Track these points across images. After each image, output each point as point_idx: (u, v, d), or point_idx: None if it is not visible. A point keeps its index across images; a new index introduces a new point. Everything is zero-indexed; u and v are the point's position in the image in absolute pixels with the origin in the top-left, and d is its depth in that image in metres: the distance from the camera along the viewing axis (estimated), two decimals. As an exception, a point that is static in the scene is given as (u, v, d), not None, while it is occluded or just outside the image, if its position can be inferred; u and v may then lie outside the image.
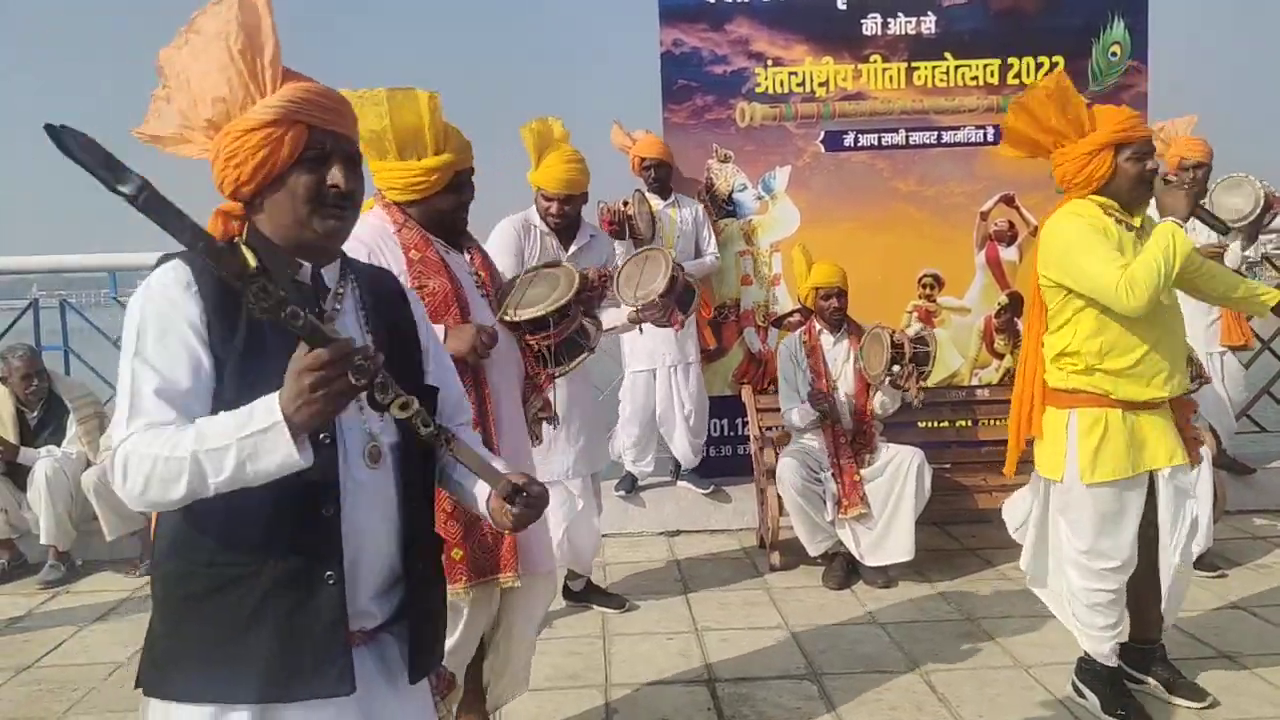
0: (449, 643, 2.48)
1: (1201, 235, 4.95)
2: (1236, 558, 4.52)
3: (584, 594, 4.19)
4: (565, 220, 3.99)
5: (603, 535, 4.56)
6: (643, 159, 5.23)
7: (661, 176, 5.25)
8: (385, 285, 1.72)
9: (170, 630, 1.50)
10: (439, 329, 2.44)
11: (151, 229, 1.26)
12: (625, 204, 4.98)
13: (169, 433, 1.36)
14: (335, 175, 1.53)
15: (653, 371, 5.20)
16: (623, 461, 5.38)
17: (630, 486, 5.41)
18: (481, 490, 1.63)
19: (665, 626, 3.98)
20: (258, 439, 1.32)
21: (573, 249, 4.05)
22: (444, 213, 2.59)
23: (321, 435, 1.45)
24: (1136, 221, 2.96)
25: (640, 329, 3.85)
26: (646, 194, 5.15)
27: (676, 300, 4.13)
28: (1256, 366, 5.64)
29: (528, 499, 1.52)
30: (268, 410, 1.32)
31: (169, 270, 1.47)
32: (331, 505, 1.48)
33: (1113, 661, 3.13)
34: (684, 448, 5.31)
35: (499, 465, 1.57)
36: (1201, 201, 4.90)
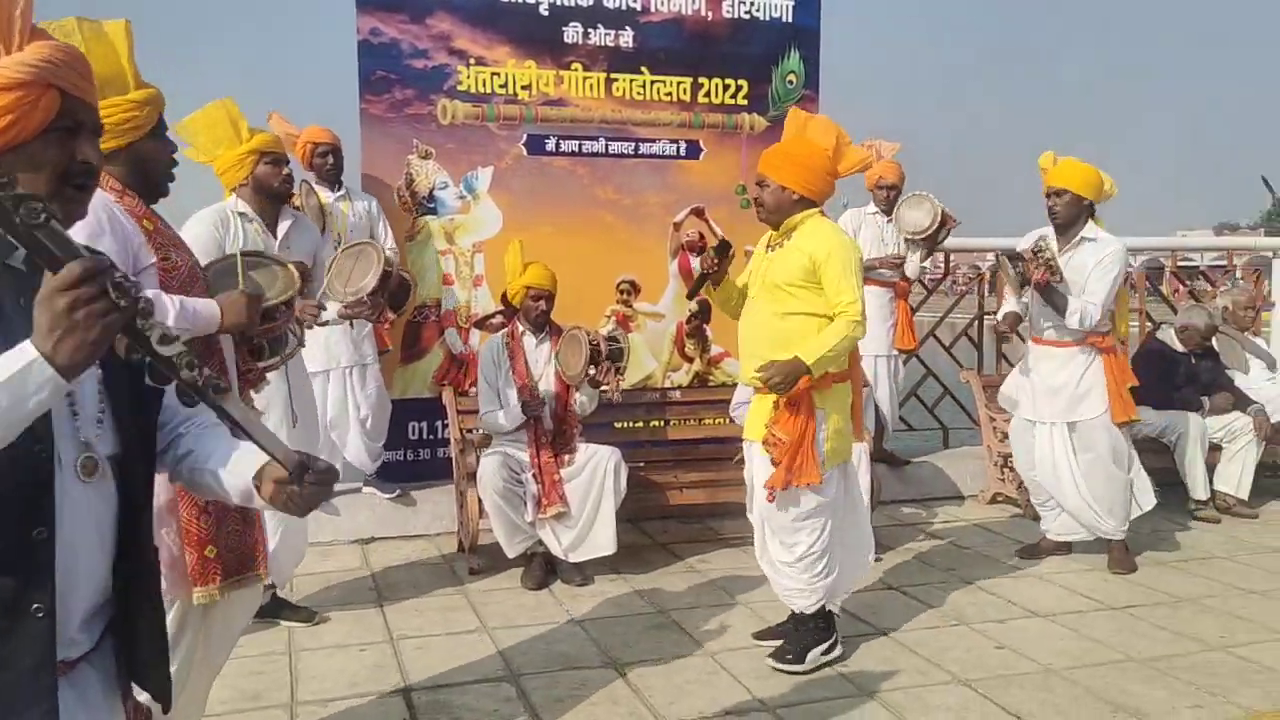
0: (174, 666, 2.24)
1: (891, 246, 5.52)
2: (889, 542, 5.04)
3: (269, 608, 3.91)
4: (292, 183, 3.90)
5: (290, 546, 4.31)
6: (315, 144, 4.99)
7: (337, 163, 5.04)
8: None
9: None
10: (207, 303, 2.22)
11: None
12: (292, 195, 4.72)
13: None
14: (86, 150, 1.34)
15: (327, 373, 4.95)
16: None
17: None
18: (242, 473, 1.43)
19: (358, 638, 3.81)
20: (15, 383, 1.11)
21: (281, 231, 3.81)
22: (152, 164, 2.33)
23: (36, 447, 1.24)
24: (772, 239, 3.60)
25: (351, 324, 3.75)
26: (315, 186, 4.92)
27: (389, 297, 4.01)
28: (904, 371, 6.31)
29: (317, 475, 1.35)
30: (19, 351, 1.12)
31: None
32: (44, 526, 1.27)
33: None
34: (359, 453, 5.10)
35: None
36: (889, 217, 5.50)
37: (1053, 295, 4.42)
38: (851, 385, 3.58)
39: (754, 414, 3.61)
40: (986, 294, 6.80)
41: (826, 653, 3.54)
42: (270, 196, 3.77)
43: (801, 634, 3.55)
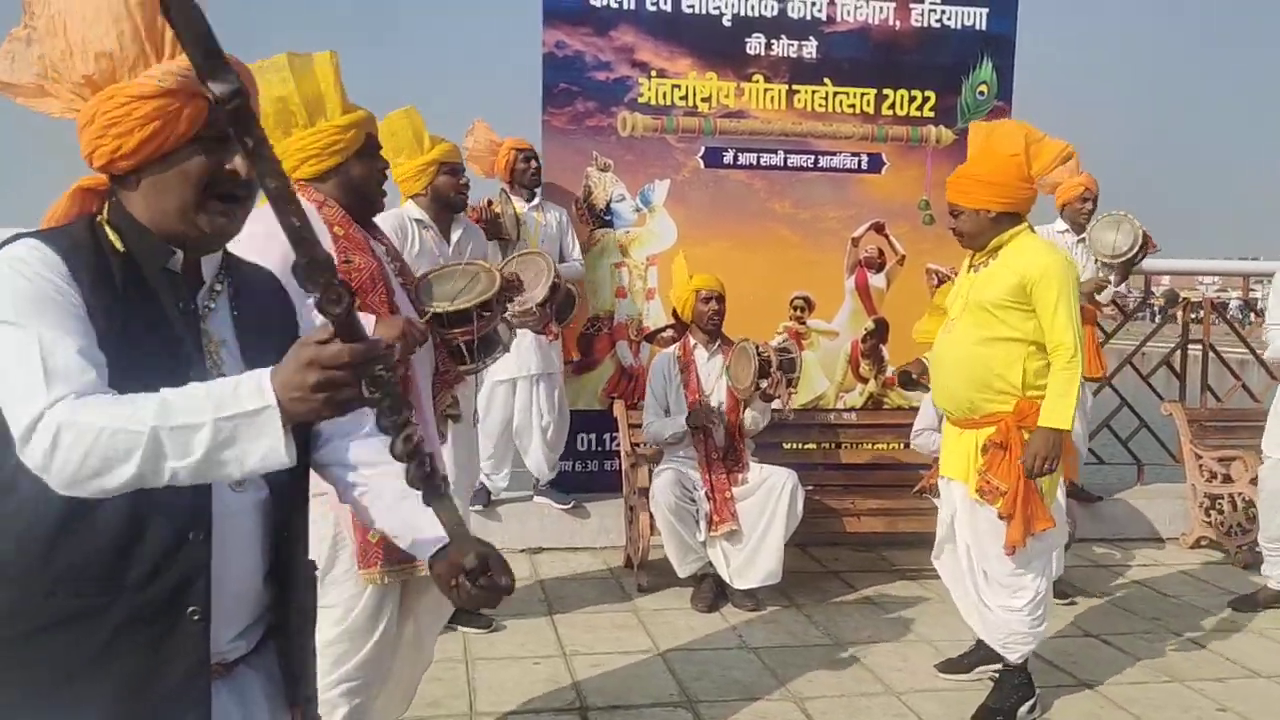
0: (364, 651, 2.29)
1: (1078, 267, 5.13)
2: (1084, 586, 4.69)
3: (446, 614, 3.94)
4: (468, 193, 3.98)
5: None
6: (519, 150, 5.05)
7: (538, 169, 5.08)
8: (267, 286, 1.51)
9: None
10: (369, 318, 2.25)
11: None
12: (490, 203, 4.78)
13: (118, 400, 1.12)
14: (237, 161, 1.31)
15: (513, 382, 4.99)
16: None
17: (485, 501, 5.17)
18: (428, 537, 1.41)
19: (531, 650, 3.79)
20: (241, 422, 1.11)
21: (454, 238, 3.90)
22: (360, 181, 2.38)
23: None
24: (974, 259, 3.36)
25: (514, 333, 3.76)
26: (511, 195, 4.98)
27: (555, 309, 4.02)
28: (1096, 401, 5.91)
29: (489, 583, 1.31)
30: (258, 389, 1.11)
31: (33, 249, 1.22)
32: (202, 530, 1.27)
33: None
34: (539, 461, 5.12)
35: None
36: (1081, 236, 5.11)
37: None
38: None
39: (952, 450, 3.38)
40: (1191, 320, 6.30)
41: (1031, 710, 3.29)
42: (446, 205, 3.86)
43: (1008, 690, 3.29)
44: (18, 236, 1.25)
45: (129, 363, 1.22)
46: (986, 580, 3.30)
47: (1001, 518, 3.15)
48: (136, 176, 1.31)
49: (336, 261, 2.24)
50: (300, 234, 1.08)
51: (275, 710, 1.45)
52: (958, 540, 3.38)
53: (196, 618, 1.28)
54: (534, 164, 5.05)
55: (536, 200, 5.08)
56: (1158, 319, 6.81)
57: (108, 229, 1.30)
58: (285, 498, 1.40)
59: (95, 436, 1.10)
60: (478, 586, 1.31)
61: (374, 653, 2.33)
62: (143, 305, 1.28)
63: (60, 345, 1.15)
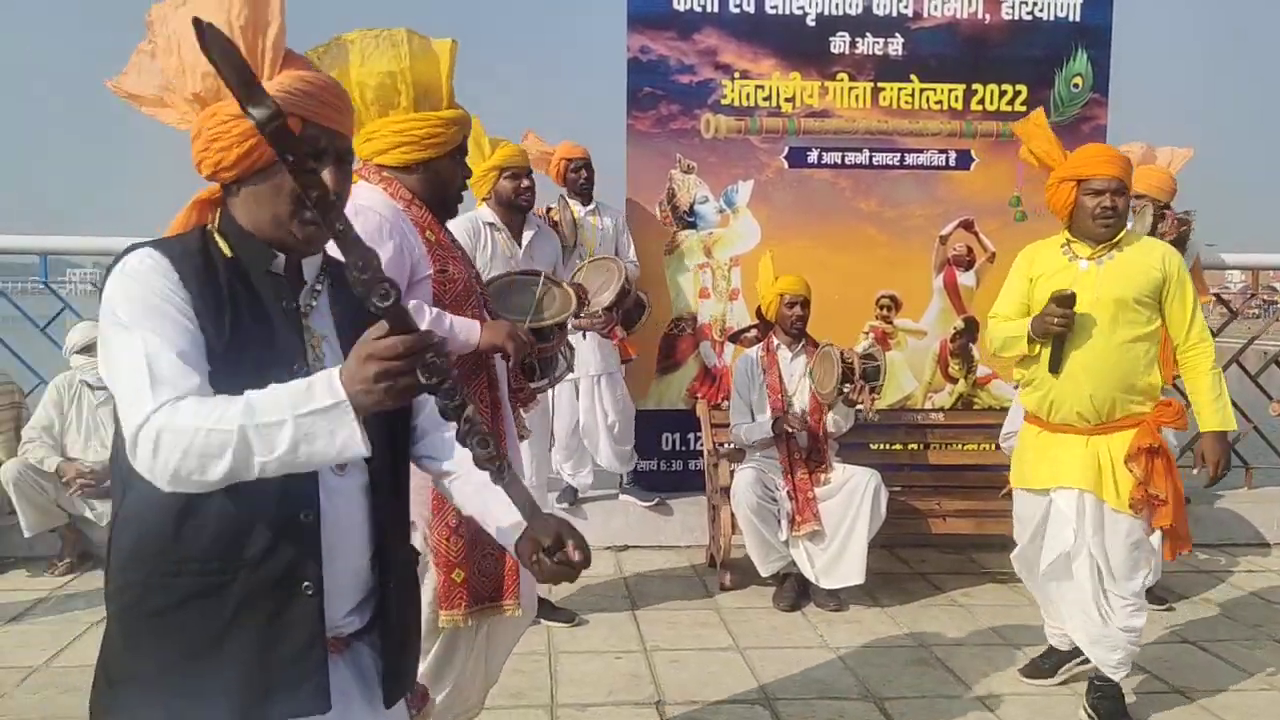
0: (452, 676, 2.35)
1: None
2: (1183, 591, 4.54)
3: (531, 608, 4.04)
4: (533, 196, 4.05)
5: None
6: (569, 160, 5.11)
7: (589, 178, 5.14)
8: None
9: (130, 646, 1.37)
10: (467, 323, 2.28)
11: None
12: (549, 209, 4.86)
13: (211, 403, 1.23)
14: (326, 176, 1.40)
15: (576, 382, 5.06)
16: (560, 474, 5.23)
17: (572, 499, 5.27)
18: (508, 519, 1.49)
19: (613, 645, 3.86)
20: (317, 418, 1.20)
21: (525, 240, 4.00)
22: (446, 181, 2.34)
23: None
24: (1085, 251, 3.16)
25: (584, 335, 3.80)
26: (568, 200, 5.06)
27: (624, 314, 4.08)
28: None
29: (565, 559, 1.38)
30: (329, 388, 1.21)
31: (145, 258, 1.35)
32: (311, 511, 1.38)
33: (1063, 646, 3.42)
34: (609, 457, 5.17)
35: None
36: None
37: None
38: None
39: (1075, 458, 3.13)
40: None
41: None
42: (511, 208, 3.97)
43: (1118, 696, 3.25)
44: (135, 246, 1.38)
45: (238, 359, 1.33)
46: (1107, 599, 3.17)
47: (1163, 529, 3.09)
48: (238, 186, 1.42)
49: (432, 271, 2.29)
50: (345, 236, 1.18)
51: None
52: (1079, 555, 3.17)
53: (310, 592, 1.38)
54: (584, 173, 5.09)
55: (593, 204, 5.15)
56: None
57: (218, 237, 1.42)
58: (383, 484, 1.50)
59: (191, 437, 1.21)
60: (555, 563, 1.39)
61: (454, 692, 2.39)
62: (249, 306, 1.39)
63: (164, 352, 1.27)
